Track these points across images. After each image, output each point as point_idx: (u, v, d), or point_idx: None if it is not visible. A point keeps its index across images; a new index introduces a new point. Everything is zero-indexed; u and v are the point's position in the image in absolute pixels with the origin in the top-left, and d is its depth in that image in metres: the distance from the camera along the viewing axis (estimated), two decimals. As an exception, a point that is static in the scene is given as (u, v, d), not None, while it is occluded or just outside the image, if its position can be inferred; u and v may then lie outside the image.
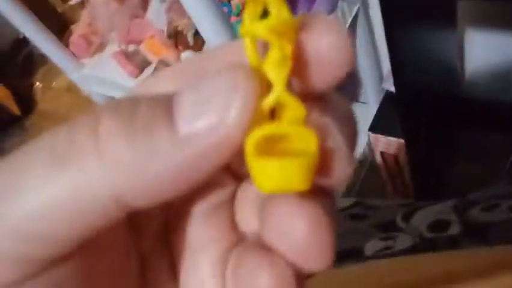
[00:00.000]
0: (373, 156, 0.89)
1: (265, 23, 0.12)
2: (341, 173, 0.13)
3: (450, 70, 0.74)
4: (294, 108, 0.12)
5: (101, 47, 0.96)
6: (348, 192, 1.03)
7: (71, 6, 2.03)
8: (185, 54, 0.81)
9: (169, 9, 0.78)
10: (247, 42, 0.12)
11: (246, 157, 0.12)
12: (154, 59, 0.86)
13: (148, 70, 0.87)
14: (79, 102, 1.83)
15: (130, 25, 0.88)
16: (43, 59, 2.11)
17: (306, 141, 0.12)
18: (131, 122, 0.11)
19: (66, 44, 0.97)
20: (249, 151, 0.12)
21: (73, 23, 1.81)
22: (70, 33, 1.02)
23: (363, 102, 1.14)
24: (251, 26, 0.12)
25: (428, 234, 0.38)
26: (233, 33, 0.58)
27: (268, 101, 0.12)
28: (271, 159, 0.12)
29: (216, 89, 0.12)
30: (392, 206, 0.44)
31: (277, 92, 0.12)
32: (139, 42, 0.89)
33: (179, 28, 0.77)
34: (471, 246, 0.35)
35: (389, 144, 0.78)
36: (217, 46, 0.15)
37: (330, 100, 0.14)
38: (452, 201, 0.41)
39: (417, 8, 0.53)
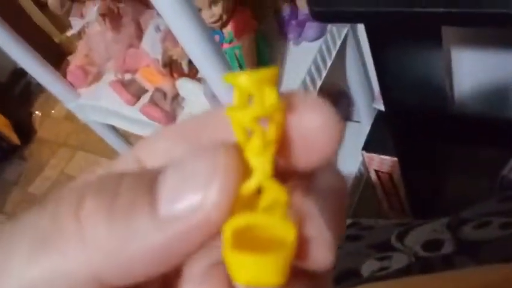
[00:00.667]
0: (368, 174, 0.89)
1: (249, 111, 0.12)
2: (320, 259, 0.13)
3: (438, 88, 0.75)
4: (276, 193, 0.12)
5: (98, 77, 0.97)
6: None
7: (68, 37, 2.06)
8: (180, 82, 0.82)
9: (163, 39, 0.79)
10: (234, 129, 0.13)
11: (222, 247, 0.12)
12: (150, 87, 0.87)
13: (145, 98, 0.88)
14: (78, 130, 1.83)
15: (125, 54, 0.90)
16: (41, 88, 2.12)
17: (285, 232, 0.12)
18: (113, 203, 0.12)
19: (63, 74, 0.98)
20: (225, 241, 0.12)
21: (70, 52, 1.83)
22: (67, 64, 1.03)
23: (357, 121, 1.15)
24: (237, 112, 0.12)
25: (423, 253, 0.38)
26: (225, 60, 0.59)
27: (249, 186, 0.12)
28: (246, 253, 0.12)
29: (197, 170, 0.12)
30: (387, 225, 0.45)
31: (258, 178, 0.12)
32: (135, 71, 0.90)
33: (174, 57, 0.78)
34: (464, 264, 0.35)
35: (382, 162, 0.79)
36: (217, 107, 0.15)
37: (320, 176, 0.14)
38: (445, 219, 0.41)
39: (403, 30, 0.54)
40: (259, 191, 0.13)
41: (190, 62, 0.81)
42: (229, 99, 0.60)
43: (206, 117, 0.14)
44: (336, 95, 1.15)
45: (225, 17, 0.70)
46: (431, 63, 0.70)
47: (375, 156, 0.79)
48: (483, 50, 0.77)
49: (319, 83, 0.80)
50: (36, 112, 2.05)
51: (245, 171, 0.12)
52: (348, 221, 0.47)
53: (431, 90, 0.71)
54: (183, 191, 0.11)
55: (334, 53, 0.82)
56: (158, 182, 0.12)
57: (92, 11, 0.89)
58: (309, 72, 0.78)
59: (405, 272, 0.37)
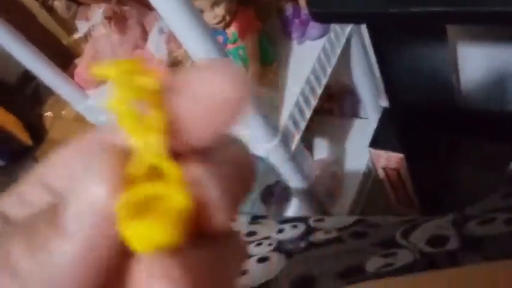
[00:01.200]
0: (376, 171, 0.89)
1: (117, 95, 0.12)
2: (217, 222, 0.13)
3: (445, 82, 0.75)
4: (168, 170, 0.13)
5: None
6: (355, 206, 1.03)
7: (76, 39, 2.07)
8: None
9: (167, 40, 0.79)
10: (117, 117, 0.13)
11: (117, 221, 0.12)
12: (156, 88, 0.88)
13: (151, 98, 0.88)
14: (88, 130, 1.85)
15: (131, 55, 0.90)
16: (51, 90, 2.16)
17: (176, 198, 0.13)
18: (31, 237, 0.13)
19: (71, 76, 0.99)
20: (118, 214, 0.12)
21: (78, 55, 1.85)
22: (75, 66, 1.04)
23: (364, 118, 1.15)
24: (116, 103, 0.13)
25: (427, 249, 0.38)
26: (230, 59, 0.60)
27: (139, 167, 0.13)
28: (138, 220, 0.12)
29: (83, 184, 0.13)
30: (393, 223, 0.45)
31: (144, 158, 0.13)
32: (141, 72, 0.91)
33: (179, 58, 0.79)
34: (468, 260, 0.35)
35: (389, 159, 0.78)
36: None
37: (220, 148, 0.14)
38: (451, 216, 0.41)
39: (404, 28, 0.54)
40: (155, 174, 0.13)
41: (193, 63, 0.82)
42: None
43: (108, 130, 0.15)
44: (342, 92, 1.15)
45: (227, 18, 0.70)
46: (436, 58, 0.70)
47: (382, 152, 0.79)
48: (489, 44, 0.77)
49: (324, 81, 0.80)
50: (47, 113, 2.08)
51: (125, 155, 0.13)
52: (354, 218, 0.47)
53: (437, 85, 0.71)
54: (75, 203, 0.13)
55: (339, 51, 0.82)
56: (58, 207, 0.13)
57: (97, 14, 0.90)
58: (314, 71, 0.78)
59: (409, 268, 0.37)
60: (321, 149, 1.17)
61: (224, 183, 0.13)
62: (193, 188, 0.13)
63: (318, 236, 0.47)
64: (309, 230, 0.48)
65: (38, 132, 1.99)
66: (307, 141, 1.16)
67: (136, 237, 0.12)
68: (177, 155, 0.13)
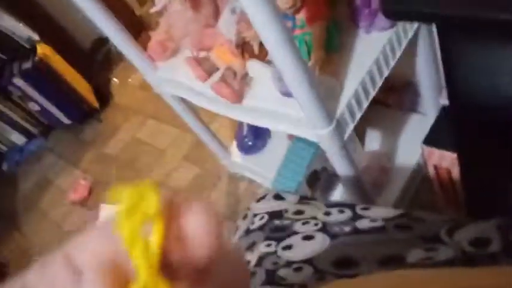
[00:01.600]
0: (426, 169, 0.89)
1: (129, 221, 0.15)
2: None
3: (508, 89, 0.72)
4: None
5: (175, 52, 1.03)
6: (400, 201, 1.03)
7: (148, 12, 2.15)
8: (251, 63, 0.85)
9: (238, 21, 0.82)
10: (122, 236, 0.16)
11: None
12: (222, 66, 0.92)
13: (216, 75, 0.92)
14: (151, 99, 1.94)
15: (202, 33, 0.94)
16: (120, 57, 2.26)
17: None
18: None
19: (143, 47, 1.05)
20: None
21: (149, 26, 1.92)
22: (148, 38, 1.09)
23: (421, 114, 1.13)
24: (122, 222, 0.15)
25: (469, 249, 0.40)
26: (295, 47, 0.62)
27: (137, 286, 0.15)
28: None
29: None
30: (437, 220, 0.46)
31: (142, 279, 0.15)
32: (209, 49, 0.95)
33: (247, 39, 0.82)
34: (509, 264, 0.36)
35: (442, 158, 0.78)
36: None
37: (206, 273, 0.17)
38: (496, 220, 0.42)
39: (475, 32, 0.53)
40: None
41: (261, 45, 0.84)
42: (294, 82, 0.61)
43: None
44: (402, 85, 1.13)
45: (298, 4, 0.72)
46: (503, 65, 0.68)
47: (435, 150, 0.78)
48: None
49: (386, 73, 0.80)
50: (115, 79, 2.20)
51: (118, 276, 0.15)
52: (400, 211, 0.49)
53: (500, 92, 0.69)
54: None
55: (404, 44, 0.82)
56: None
57: (174, -10, 0.94)
58: (377, 62, 0.78)
59: (449, 264, 0.39)
60: (373, 140, 1.17)
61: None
62: None
63: (364, 223, 0.49)
64: (355, 217, 0.51)
65: (104, 96, 2.12)
66: (359, 130, 1.17)
67: None
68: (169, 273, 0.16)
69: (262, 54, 0.86)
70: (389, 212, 0.49)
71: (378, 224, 0.48)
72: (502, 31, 0.43)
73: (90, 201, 1.75)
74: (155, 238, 0.16)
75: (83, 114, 2.07)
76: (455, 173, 0.78)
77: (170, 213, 0.16)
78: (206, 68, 0.93)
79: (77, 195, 1.77)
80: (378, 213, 0.49)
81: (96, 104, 2.07)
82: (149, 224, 0.16)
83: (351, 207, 0.53)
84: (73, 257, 0.18)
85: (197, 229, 0.16)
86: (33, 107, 1.96)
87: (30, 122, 2.07)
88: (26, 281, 0.18)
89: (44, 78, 1.84)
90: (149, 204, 0.16)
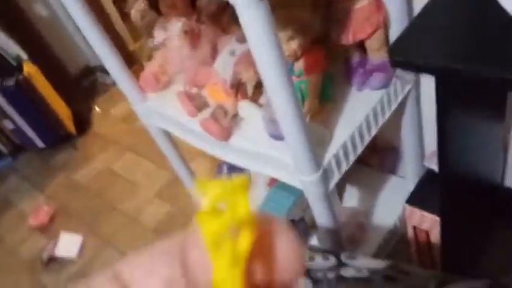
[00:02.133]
0: (405, 229, 0.89)
1: (220, 221, 0.13)
2: None
3: (493, 161, 0.75)
4: None
5: (167, 85, 1.03)
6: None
7: (141, 46, 2.18)
8: (243, 103, 0.86)
9: (236, 63, 0.84)
10: (203, 233, 0.13)
11: None
12: (213, 103, 0.92)
13: (205, 113, 0.92)
14: (131, 131, 1.92)
15: (197, 70, 0.95)
16: (105, 88, 2.26)
17: None
18: None
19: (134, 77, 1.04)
20: None
21: (140, 61, 1.94)
22: (139, 71, 1.09)
23: (401, 177, 1.15)
24: (207, 219, 0.13)
25: (459, 307, 0.38)
26: (294, 92, 0.63)
27: None
28: None
29: None
30: (425, 274, 0.45)
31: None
32: (202, 86, 0.96)
33: (243, 80, 0.83)
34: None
35: (422, 219, 0.78)
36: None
37: None
38: (486, 281, 0.41)
39: (470, 96, 0.56)
40: None
41: (255, 87, 0.85)
42: (288, 125, 0.62)
43: (189, 238, 0.15)
44: (386, 148, 1.16)
45: (299, 53, 0.74)
46: (491, 133, 0.71)
47: (417, 211, 0.79)
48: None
49: (374, 131, 0.82)
50: (97, 108, 2.17)
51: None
52: (388, 263, 0.48)
53: (486, 158, 0.71)
54: None
55: (394, 106, 0.84)
56: None
57: (176, 26, 0.96)
58: (367, 119, 0.80)
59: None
60: (352, 197, 1.17)
61: None
62: None
63: (349, 272, 0.47)
64: (340, 264, 0.49)
65: (83, 124, 2.07)
66: (339, 187, 1.17)
67: None
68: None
69: (255, 96, 0.87)
70: (376, 263, 0.48)
71: (364, 274, 0.46)
72: (499, 92, 0.45)
73: (50, 228, 1.66)
74: (243, 244, 0.13)
75: (58, 138, 2.01)
76: (434, 235, 0.78)
77: (259, 226, 0.14)
78: (197, 104, 0.93)
79: (36, 221, 1.67)
80: (365, 263, 0.48)
81: (73, 130, 2.02)
82: (236, 228, 0.13)
83: (336, 254, 0.51)
84: (123, 274, 0.16)
85: (288, 252, 0.14)
86: (8, 125, 1.90)
87: (1, 139, 2.00)
88: None
89: (25, 98, 1.80)
90: (241, 204, 0.13)
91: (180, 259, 0.15)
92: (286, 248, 0.14)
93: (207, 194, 0.13)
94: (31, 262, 1.56)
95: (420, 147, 1.01)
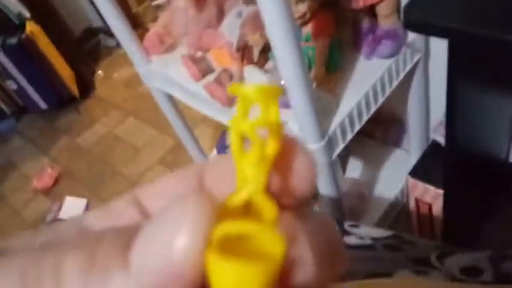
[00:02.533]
0: (407, 201, 0.88)
1: (251, 121, 0.12)
2: (303, 283, 0.12)
3: (500, 136, 0.74)
4: (267, 209, 0.12)
5: (171, 48, 1.01)
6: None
7: (144, 9, 2.13)
8: (249, 68, 0.84)
9: (243, 25, 0.81)
10: (232, 135, 0.13)
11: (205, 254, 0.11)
12: (217, 67, 0.90)
13: (210, 77, 0.90)
14: (134, 96, 1.90)
15: (202, 33, 0.93)
16: (109, 51, 2.23)
17: (273, 246, 0.11)
18: (91, 259, 0.12)
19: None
20: (208, 247, 0.11)
21: (144, 24, 1.90)
22: (143, 34, 1.07)
23: (405, 150, 1.14)
24: (238, 121, 0.12)
25: (460, 277, 0.38)
26: (302, 55, 0.61)
27: (240, 196, 0.12)
28: (229, 260, 0.11)
29: (166, 221, 0.11)
30: (428, 244, 0.45)
31: (250, 189, 0.12)
32: (207, 50, 0.93)
33: (249, 43, 0.80)
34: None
35: (425, 191, 0.78)
36: (196, 165, 0.15)
37: (304, 212, 0.14)
38: (488, 252, 0.41)
39: (484, 67, 0.54)
40: (248, 207, 0.12)
41: (261, 52, 0.83)
42: (295, 92, 0.61)
43: (213, 166, 0.15)
44: (390, 120, 1.14)
45: (308, 16, 0.71)
46: (500, 108, 0.69)
47: (420, 183, 0.78)
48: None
49: (381, 100, 0.80)
50: (100, 71, 2.15)
51: (240, 179, 0.12)
52: (391, 232, 0.47)
53: (494, 134, 0.70)
54: (152, 243, 0.11)
55: (402, 75, 0.82)
56: (133, 237, 0.12)
57: (181, -14, 0.92)
58: (374, 87, 0.78)
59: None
60: (355, 169, 1.17)
61: (315, 247, 0.13)
62: (287, 242, 0.12)
63: (351, 240, 0.47)
64: (343, 232, 0.49)
65: (86, 87, 2.06)
66: (342, 158, 1.16)
67: (221, 276, 0.11)
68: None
69: (261, 62, 0.85)
70: (379, 232, 0.47)
71: (367, 242, 0.46)
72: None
73: (54, 191, 1.67)
74: (271, 147, 0.13)
75: (61, 101, 2.00)
76: (436, 208, 0.78)
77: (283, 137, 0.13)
78: (201, 68, 0.92)
79: (41, 183, 1.68)
80: (367, 232, 0.48)
81: (76, 93, 2.01)
82: (265, 131, 0.13)
83: (339, 222, 0.51)
84: (143, 199, 0.15)
85: (305, 168, 0.14)
86: (11, 85, 1.88)
87: (4, 100, 1.98)
88: (86, 217, 0.15)
89: (28, 57, 1.78)
90: (272, 110, 0.13)
91: (198, 182, 0.14)
92: (303, 164, 0.14)
93: (240, 96, 0.13)
94: (35, 224, 1.57)
95: (426, 119, 1.00)
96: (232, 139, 0.13)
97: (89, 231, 0.14)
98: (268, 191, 0.13)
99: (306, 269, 0.13)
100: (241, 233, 0.12)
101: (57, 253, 0.12)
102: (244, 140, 0.13)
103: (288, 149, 0.13)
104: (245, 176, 0.12)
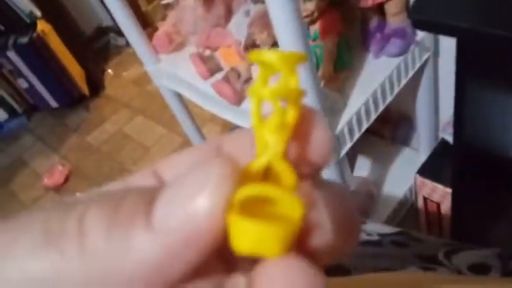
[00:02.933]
0: (415, 200, 0.88)
1: (271, 88, 0.12)
2: (319, 248, 0.13)
3: (510, 133, 0.73)
4: (286, 174, 0.12)
5: (180, 47, 1.02)
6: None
7: (154, 8, 2.14)
8: (256, 67, 0.84)
9: (251, 24, 0.82)
10: (252, 103, 0.13)
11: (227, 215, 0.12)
12: (225, 66, 0.91)
13: (218, 75, 0.91)
14: (143, 95, 1.92)
15: (211, 32, 0.93)
16: (118, 50, 2.24)
17: (292, 209, 0.12)
18: (115, 214, 0.12)
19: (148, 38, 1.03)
20: (229, 208, 0.12)
21: (153, 23, 1.91)
22: (152, 33, 1.08)
23: (415, 149, 1.14)
24: (259, 88, 0.13)
25: (468, 274, 0.38)
26: (310, 55, 0.61)
27: (260, 162, 0.12)
28: (250, 220, 0.11)
29: (189, 182, 0.12)
30: (435, 242, 0.45)
31: (269, 155, 0.12)
32: (215, 49, 0.94)
33: (257, 42, 0.81)
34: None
35: (434, 190, 0.77)
36: (219, 137, 0.15)
37: (322, 182, 0.14)
38: (497, 249, 0.41)
39: (491, 66, 0.53)
40: (267, 173, 0.13)
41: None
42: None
43: (231, 138, 0.15)
44: (399, 119, 1.14)
45: (316, 14, 0.72)
46: (509, 104, 0.69)
47: (428, 182, 0.78)
48: None
49: (389, 99, 0.80)
50: (109, 70, 2.16)
51: (260, 145, 0.13)
52: (398, 229, 0.47)
53: (504, 132, 0.70)
54: (176, 202, 0.12)
55: (411, 74, 0.82)
56: (157, 197, 0.12)
57: (190, -15, 0.93)
58: (382, 86, 0.78)
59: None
60: (363, 168, 1.17)
61: (333, 214, 0.13)
62: (306, 206, 0.12)
63: (358, 236, 0.47)
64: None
65: (96, 86, 2.08)
66: (350, 157, 1.16)
67: (243, 235, 0.12)
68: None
69: (269, 61, 0.85)
70: (386, 228, 0.47)
71: (374, 238, 0.46)
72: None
73: (64, 188, 1.69)
74: (291, 114, 0.13)
75: (71, 99, 2.02)
76: (445, 207, 0.77)
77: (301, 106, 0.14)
78: (209, 66, 0.92)
79: (52, 181, 1.70)
80: (375, 228, 0.48)
81: (87, 92, 2.02)
82: (285, 99, 0.13)
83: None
84: (161, 172, 0.15)
85: (322, 138, 0.14)
86: (22, 83, 1.91)
87: (15, 99, 2.01)
88: (108, 187, 0.15)
89: (39, 56, 1.80)
90: (292, 77, 0.13)
91: (216, 153, 0.15)
92: (320, 134, 0.14)
93: (260, 63, 0.13)
94: (44, 219, 1.59)
95: (435, 118, 0.99)
96: (252, 106, 0.13)
97: (111, 190, 0.14)
98: (286, 159, 0.13)
99: (323, 234, 0.13)
100: (262, 196, 0.12)
101: (82, 208, 0.12)
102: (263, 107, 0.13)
103: (306, 119, 0.13)
104: (265, 143, 0.13)
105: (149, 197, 0.12)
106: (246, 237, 0.12)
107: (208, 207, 0.11)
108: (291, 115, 0.13)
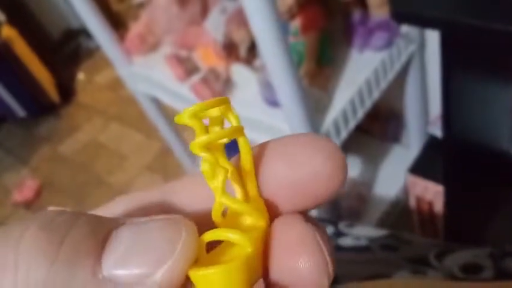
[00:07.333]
0: (407, 199, 0.89)
1: (198, 140, 0.13)
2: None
3: (500, 126, 0.74)
4: (253, 219, 0.13)
5: (154, 48, 1.01)
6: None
7: (127, 7, 2.13)
8: (236, 66, 0.84)
9: (228, 21, 0.82)
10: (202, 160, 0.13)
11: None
12: (203, 67, 0.91)
13: (196, 77, 0.91)
14: (117, 100, 1.90)
15: (186, 31, 0.93)
16: (90, 53, 2.22)
17: (243, 245, 0.13)
18: (59, 247, 0.11)
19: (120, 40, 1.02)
20: (191, 256, 0.12)
21: (125, 23, 1.90)
22: (126, 30, 1.07)
23: (404, 145, 1.15)
24: (194, 148, 0.13)
25: (460, 275, 0.39)
26: (289, 52, 0.61)
27: (216, 207, 0.14)
28: (205, 268, 0.12)
29: (150, 242, 0.12)
30: (425, 243, 0.45)
31: (218, 201, 0.13)
32: (192, 49, 0.94)
33: (236, 40, 0.81)
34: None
35: (426, 189, 0.78)
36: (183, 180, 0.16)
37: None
38: (488, 249, 0.42)
39: (477, 58, 0.54)
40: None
41: (249, 49, 0.84)
42: (284, 90, 0.61)
43: (183, 187, 0.16)
44: (388, 116, 1.15)
45: (294, 10, 0.72)
46: (498, 98, 0.70)
47: (419, 180, 0.79)
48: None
49: (376, 95, 0.81)
50: (81, 75, 2.14)
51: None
52: (387, 232, 0.48)
53: (493, 126, 0.71)
54: (130, 259, 0.11)
55: (397, 68, 0.83)
56: (111, 238, 0.12)
57: (162, -18, 0.93)
58: (367, 82, 0.79)
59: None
60: (353, 168, 1.17)
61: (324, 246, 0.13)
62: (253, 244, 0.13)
63: (347, 241, 0.48)
64: (338, 233, 0.49)
65: (67, 92, 2.05)
66: (339, 157, 1.17)
67: (204, 283, 0.12)
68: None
69: (249, 59, 0.85)
70: (375, 232, 0.48)
71: (362, 242, 0.46)
72: (504, 48, 0.44)
73: (36, 204, 1.66)
74: (244, 151, 0.14)
75: (40, 107, 1.99)
76: (438, 206, 0.78)
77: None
78: (186, 67, 0.92)
79: (21, 196, 1.68)
80: (363, 232, 0.48)
81: (57, 99, 2.00)
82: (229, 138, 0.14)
83: (334, 223, 0.51)
84: (169, 198, 0.15)
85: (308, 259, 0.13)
86: (-14, 93, 1.88)
87: (-21, 110, 1.98)
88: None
89: (4, 63, 1.77)
90: (228, 116, 0.14)
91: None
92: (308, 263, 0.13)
93: (183, 123, 0.13)
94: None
95: (424, 113, 1.01)
96: (202, 163, 0.13)
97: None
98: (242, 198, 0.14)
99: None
100: (224, 240, 0.13)
101: (25, 227, 0.12)
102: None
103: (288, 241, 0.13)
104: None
105: (102, 233, 0.12)
106: (207, 284, 0.12)
107: (161, 282, 0.11)
108: (244, 152, 0.14)
